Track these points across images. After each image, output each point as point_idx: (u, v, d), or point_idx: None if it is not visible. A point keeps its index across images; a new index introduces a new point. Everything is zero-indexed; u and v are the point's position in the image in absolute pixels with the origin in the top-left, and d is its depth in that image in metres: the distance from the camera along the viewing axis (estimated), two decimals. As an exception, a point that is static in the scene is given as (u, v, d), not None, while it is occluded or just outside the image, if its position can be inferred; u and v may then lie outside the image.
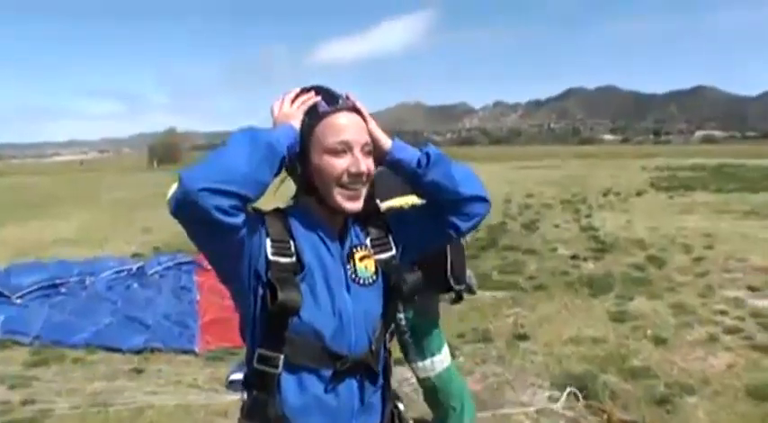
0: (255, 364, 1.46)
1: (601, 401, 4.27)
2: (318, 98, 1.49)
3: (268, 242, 1.44)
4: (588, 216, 13.69)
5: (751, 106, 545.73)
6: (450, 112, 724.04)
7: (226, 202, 1.27)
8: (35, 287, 7.08)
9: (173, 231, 12.56)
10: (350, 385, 1.52)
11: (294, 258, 1.45)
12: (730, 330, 5.75)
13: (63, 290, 7.43)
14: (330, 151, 1.45)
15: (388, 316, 1.60)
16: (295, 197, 1.59)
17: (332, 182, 1.46)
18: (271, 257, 1.43)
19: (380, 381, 1.63)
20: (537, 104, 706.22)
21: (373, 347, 1.56)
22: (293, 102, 1.50)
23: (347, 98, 1.51)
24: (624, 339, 5.58)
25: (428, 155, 1.56)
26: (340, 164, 1.45)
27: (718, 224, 12.05)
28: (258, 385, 1.48)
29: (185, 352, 5.38)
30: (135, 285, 7.66)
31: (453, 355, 5.15)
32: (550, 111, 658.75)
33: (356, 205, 1.49)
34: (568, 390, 4.41)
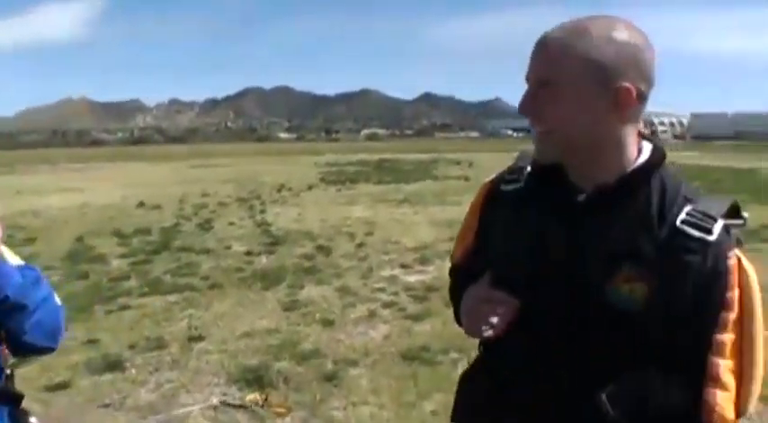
0: None
1: (275, 388, 4.45)
2: None
3: None
4: (263, 212, 14.04)
5: (407, 108, 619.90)
6: (121, 109, 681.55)
7: None
8: None
9: None
10: None
11: None
12: (387, 305, 6.49)
13: None
14: None
15: None
16: None
17: None
18: None
19: None
20: (214, 103, 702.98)
21: None
22: None
23: None
24: (295, 326, 5.88)
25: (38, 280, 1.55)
26: None
27: (377, 213, 13.40)
28: None
29: None
30: None
31: (124, 368, 4.91)
32: (228, 109, 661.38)
33: None
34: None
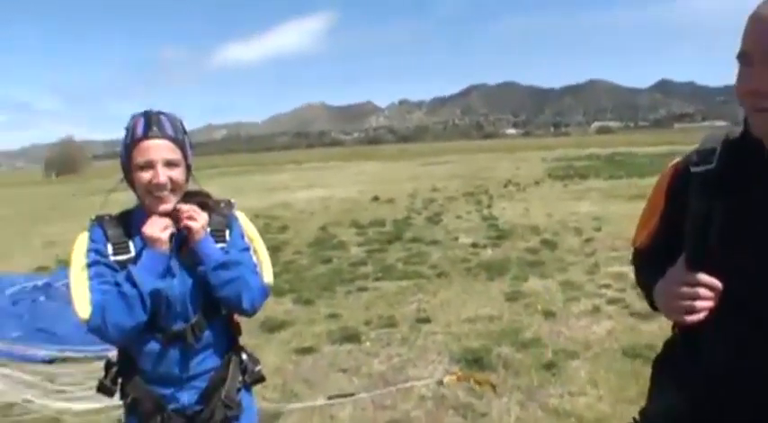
0: None
1: (494, 370, 4.67)
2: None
3: (109, 247, 1.85)
4: (489, 206, 14.35)
5: (642, 97, 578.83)
6: (355, 111, 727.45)
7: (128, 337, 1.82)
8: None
9: (75, 243, 12.22)
10: (174, 347, 1.89)
11: (133, 253, 1.85)
12: (612, 301, 6.33)
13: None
14: (138, 168, 1.80)
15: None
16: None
17: (143, 190, 1.83)
18: (112, 257, 1.84)
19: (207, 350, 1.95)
20: (441, 101, 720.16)
21: (193, 321, 1.89)
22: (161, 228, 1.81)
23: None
24: (517, 316, 6.04)
25: (223, 265, 1.86)
26: (145, 177, 1.80)
27: (607, 208, 12.95)
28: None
29: (99, 358, 5.40)
30: (42, 298, 7.51)
31: (360, 341, 5.50)
32: (454, 107, 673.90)
33: (165, 207, 1.83)
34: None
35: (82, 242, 1.88)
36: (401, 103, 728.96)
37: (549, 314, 6.02)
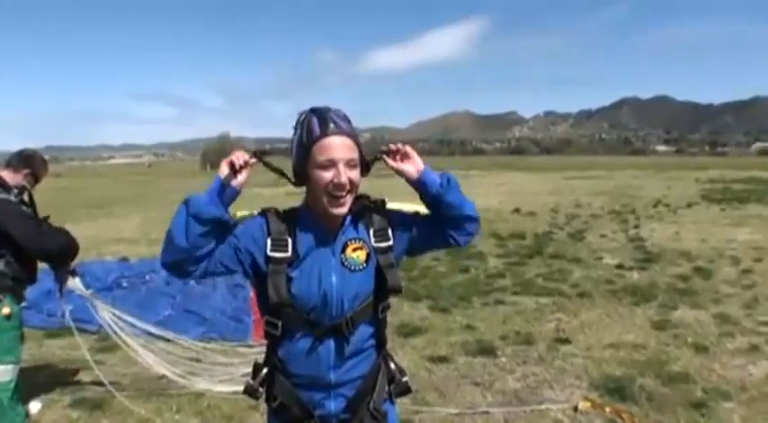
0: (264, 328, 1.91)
1: (636, 403, 4.40)
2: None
3: (269, 241, 1.83)
4: (636, 227, 13.66)
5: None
6: (499, 121, 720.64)
7: (184, 268, 1.79)
8: (100, 286, 7.54)
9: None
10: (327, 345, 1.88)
11: (290, 253, 1.83)
12: (773, 342, 5.78)
13: (125, 284, 7.91)
14: (319, 166, 1.78)
15: (379, 293, 1.91)
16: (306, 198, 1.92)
17: (321, 190, 1.79)
18: (269, 252, 1.82)
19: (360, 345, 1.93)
20: (588, 114, 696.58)
21: (348, 316, 1.88)
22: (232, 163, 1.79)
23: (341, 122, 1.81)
24: (664, 346, 5.67)
25: (449, 179, 1.91)
26: (326, 176, 1.78)
27: (770, 238, 11.88)
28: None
29: (240, 344, 5.69)
30: (192, 282, 8.07)
31: (495, 355, 5.40)
32: (602, 120, 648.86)
33: (341, 210, 1.82)
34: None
35: (246, 218, 1.94)
36: (546, 114, 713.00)
37: (700, 348, 5.60)
